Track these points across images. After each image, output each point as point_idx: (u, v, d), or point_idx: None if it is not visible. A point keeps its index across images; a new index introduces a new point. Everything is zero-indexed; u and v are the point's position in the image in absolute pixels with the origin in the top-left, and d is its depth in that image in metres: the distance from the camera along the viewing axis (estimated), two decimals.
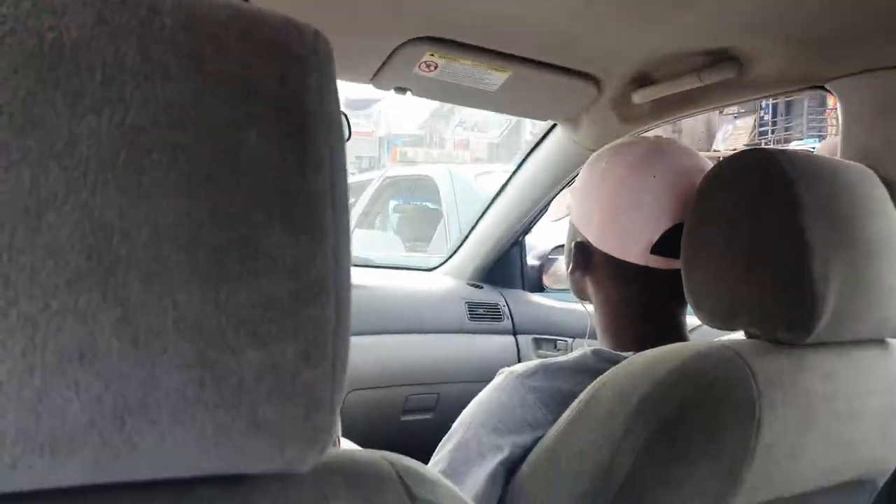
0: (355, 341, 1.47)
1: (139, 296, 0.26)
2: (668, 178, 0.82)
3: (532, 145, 1.59)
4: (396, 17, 1.01)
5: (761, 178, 0.69)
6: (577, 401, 0.72)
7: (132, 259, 0.26)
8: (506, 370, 0.84)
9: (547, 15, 0.97)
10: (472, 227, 1.87)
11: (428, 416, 1.65)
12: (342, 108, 0.35)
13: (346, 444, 1.27)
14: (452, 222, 2.77)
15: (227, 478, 0.31)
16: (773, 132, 5.36)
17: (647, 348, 0.76)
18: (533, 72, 1.16)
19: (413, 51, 1.08)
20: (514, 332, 1.78)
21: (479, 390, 0.89)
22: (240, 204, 0.28)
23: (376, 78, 1.17)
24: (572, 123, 1.39)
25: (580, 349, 0.84)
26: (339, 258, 0.31)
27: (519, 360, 1.75)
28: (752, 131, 5.40)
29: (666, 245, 0.81)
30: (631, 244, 0.83)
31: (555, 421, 0.75)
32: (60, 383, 0.25)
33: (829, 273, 0.66)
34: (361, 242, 3.29)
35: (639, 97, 1.18)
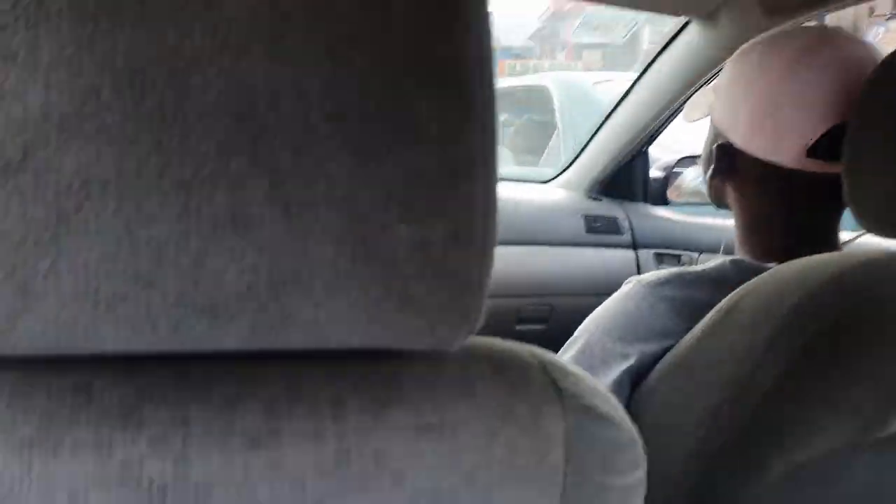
0: None
1: (288, 164, 0.25)
2: (833, 71, 0.73)
3: (661, 46, 1.47)
4: None
5: None
6: (715, 309, 0.68)
7: (279, 126, 0.25)
8: (634, 279, 0.81)
9: None
10: (591, 137, 1.78)
11: (542, 326, 1.65)
12: None
13: None
14: (567, 134, 2.67)
15: (377, 353, 0.30)
16: None
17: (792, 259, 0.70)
18: None
19: None
20: (635, 247, 1.72)
21: (596, 304, 0.86)
22: (386, 70, 0.26)
23: None
24: (709, 19, 1.27)
25: (717, 259, 0.79)
26: (487, 133, 0.28)
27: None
28: None
29: (824, 146, 0.73)
30: (784, 146, 0.75)
31: (688, 330, 0.71)
32: (216, 249, 0.24)
33: None
34: None
35: None
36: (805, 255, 0.69)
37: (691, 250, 1.64)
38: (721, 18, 1.24)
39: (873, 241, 0.70)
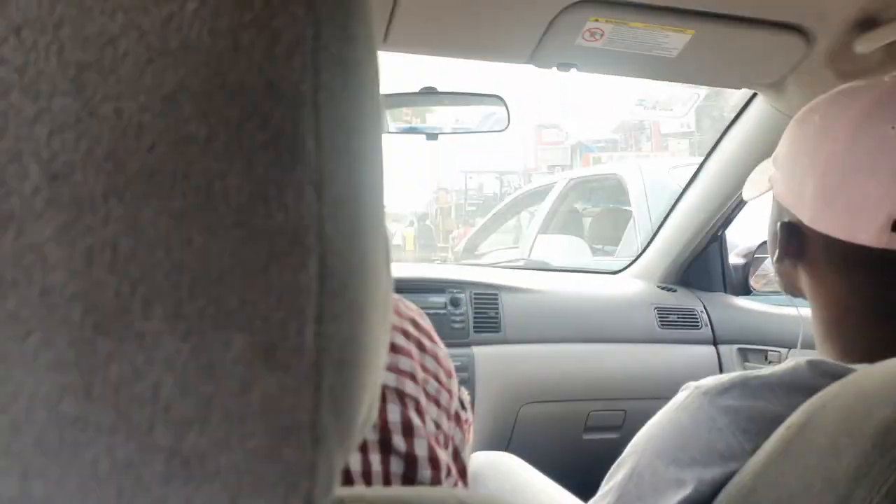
0: (532, 349, 1.33)
1: None
2: None
3: (729, 121, 1.36)
4: None
5: None
6: (784, 425, 0.55)
7: None
8: (691, 385, 0.68)
9: None
10: (662, 222, 1.66)
11: (614, 435, 1.48)
12: None
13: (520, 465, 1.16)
14: (642, 222, 2.53)
15: None
16: None
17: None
18: (722, 29, 0.97)
19: (574, 18, 0.95)
20: (715, 342, 1.55)
21: None
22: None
23: (536, 55, 1.05)
24: (775, 90, 1.15)
25: (791, 360, 0.65)
26: (328, 195, 0.19)
27: (721, 373, 1.52)
28: None
29: None
30: (862, 222, 0.63)
31: (754, 451, 0.58)
32: None
33: None
34: (545, 248, 3.15)
35: (863, 45, 0.94)
36: None
37: (779, 346, 1.45)
38: (789, 88, 1.13)
39: None
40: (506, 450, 1.40)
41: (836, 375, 0.58)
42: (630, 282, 1.69)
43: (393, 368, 0.42)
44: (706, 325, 1.55)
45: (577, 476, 1.07)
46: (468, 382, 1.36)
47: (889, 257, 0.62)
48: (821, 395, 0.54)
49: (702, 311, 1.57)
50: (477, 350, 1.40)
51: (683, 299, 1.60)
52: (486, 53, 1.08)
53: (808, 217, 0.67)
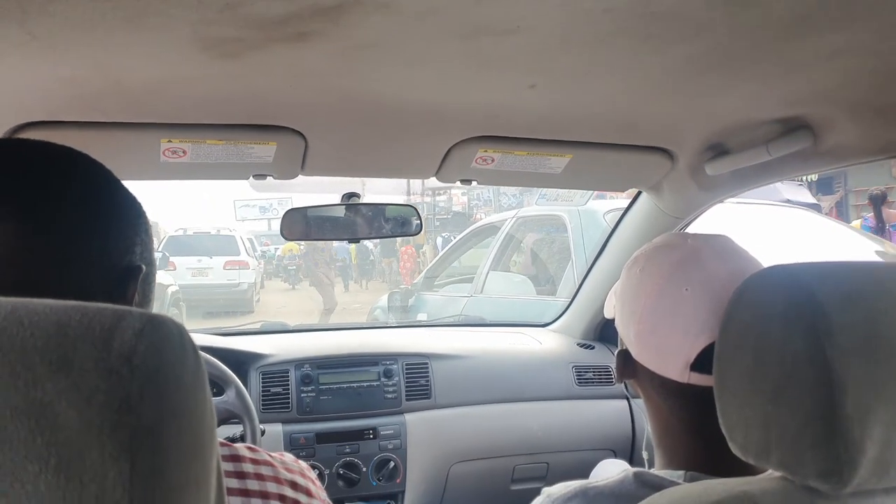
0: (460, 412, 1.48)
1: None
2: (703, 291, 0.76)
3: (623, 210, 1.53)
4: (445, 124, 1.03)
5: (786, 299, 0.62)
6: None
7: None
8: (545, 491, 0.82)
9: (605, 99, 0.92)
10: (580, 285, 1.82)
11: (539, 485, 1.62)
12: None
13: None
14: (580, 263, 2.71)
15: None
16: None
17: (706, 469, 0.72)
18: (597, 152, 1.12)
19: (466, 149, 1.10)
20: (628, 396, 1.71)
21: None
22: None
23: (439, 174, 1.19)
24: (655, 191, 1.32)
25: (623, 472, 0.80)
26: None
27: (633, 427, 1.68)
28: None
29: (707, 362, 0.75)
30: (669, 361, 0.78)
31: None
32: None
33: (867, 415, 0.57)
34: (494, 285, 3.31)
35: (712, 169, 1.10)
36: (716, 464, 0.71)
37: None
38: (664, 190, 1.29)
39: None
40: None
41: (655, 486, 0.73)
42: (553, 339, 1.84)
43: None
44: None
45: None
46: (400, 448, 1.51)
47: (695, 389, 0.77)
48: None
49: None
50: (409, 417, 1.55)
51: (600, 356, 1.76)
52: (396, 173, 1.23)
53: (634, 351, 0.82)
